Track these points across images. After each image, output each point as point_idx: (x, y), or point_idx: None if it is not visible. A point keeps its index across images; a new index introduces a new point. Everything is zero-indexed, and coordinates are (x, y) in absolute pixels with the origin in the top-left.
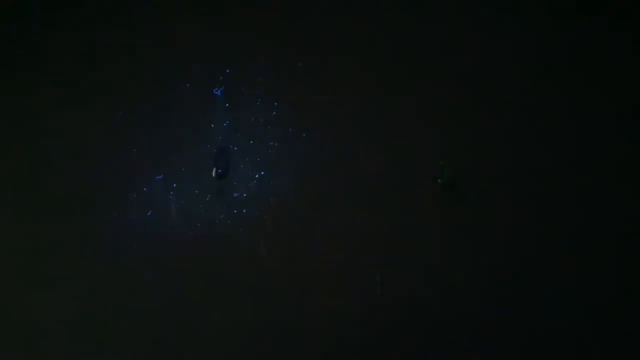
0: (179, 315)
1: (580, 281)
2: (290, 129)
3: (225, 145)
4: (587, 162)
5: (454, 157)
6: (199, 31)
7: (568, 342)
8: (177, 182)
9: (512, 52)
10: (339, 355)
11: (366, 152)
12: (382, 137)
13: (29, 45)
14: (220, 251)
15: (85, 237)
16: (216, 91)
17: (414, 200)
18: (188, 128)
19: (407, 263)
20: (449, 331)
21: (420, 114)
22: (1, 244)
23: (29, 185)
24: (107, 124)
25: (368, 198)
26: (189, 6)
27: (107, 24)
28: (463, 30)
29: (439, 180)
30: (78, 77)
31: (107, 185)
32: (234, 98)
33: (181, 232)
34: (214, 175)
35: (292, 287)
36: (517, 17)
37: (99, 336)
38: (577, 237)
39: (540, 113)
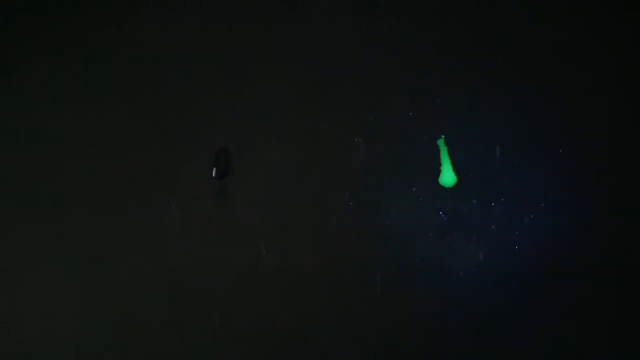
0: (177, 316)
1: (582, 281)
2: (291, 129)
3: (225, 145)
4: (590, 162)
5: (454, 157)
6: (200, 30)
7: (569, 342)
8: (177, 182)
9: (514, 51)
10: (339, 355)
11: (366, 152)
12: (381, 137)
13: (29, 43)
14: (220, 251)
15: (83, 237)
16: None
17: (414, 200)
18: (188, 128)
19: (407, 263)
20: (449, 331)
21: (420, 113)
22: (1, 243)
23: (28, 184)
24: (106, 123)
25: (368, 198)
26: (190, 5)
27: (108, 23)
28: (464, 28)
29: (438, 179)
30: (78, 75)
31: (105, 185)
32: (234, 98)
33: (181, 232)
34: (214, 175)
35: (292, 287)
36: (521, 16)
37: (97, 336)
38: (579, 237)
39: (544, 113)
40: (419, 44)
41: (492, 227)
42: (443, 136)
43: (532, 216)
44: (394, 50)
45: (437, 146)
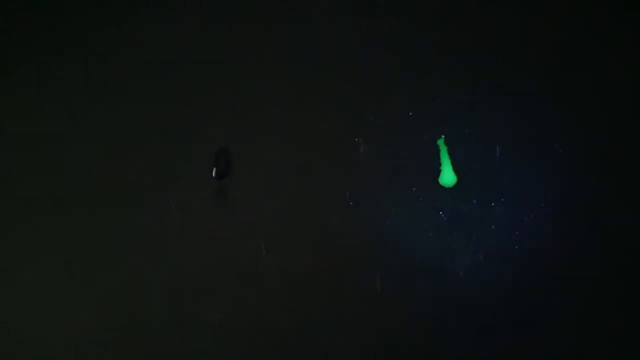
0: (177, 316)
1: (582, 281)
2: (291, 129)
3: (225, 145)
4: (591, 162)
5: (454, 157)
6: (200, 30)
7: (569, 342)
8: (177, 182)
9: (514, 51)
10: (339, 355)
11: (366, 152)
12: (381, 137)
13: (29, 43)
14: (220, 251)
15: (83, 236)
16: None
17: (414, 200)
18: (188, 128)
19: (407, 263)
20: (449, 331)
21: (420, 113)
22: (2, 243)
23: (28, 184)
24: (106, 123)
25: (368, 198)
26: (190, 5)
27: (108, 23)
28: (464, 28)
29: (438, 179)
30: (78, 75)
31: (105, 185)
32: (234, 98)
33: (181, 232)
34: (214, 175)
35: (292, 287)
36: (521, 16)
37: (97, 336)
38: (579, 237)
39: (544, 113)
40: (419, 44)
41: (492, 227)
42: (443, 136)
43: (532, 216)
44: (394, 50)
45: (437, 146)
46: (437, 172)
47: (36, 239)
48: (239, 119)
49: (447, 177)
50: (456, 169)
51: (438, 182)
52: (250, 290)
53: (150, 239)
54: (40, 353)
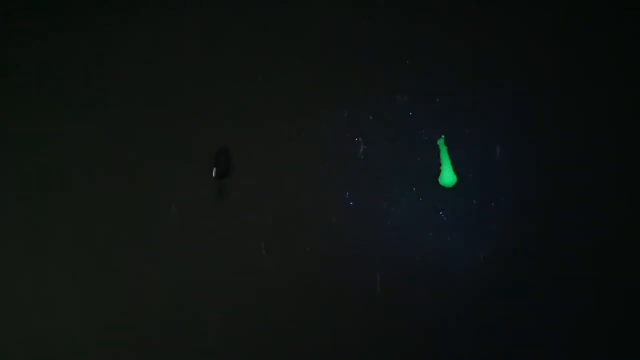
0: (177, 316)
1: (582, 281)
2: (291, 129)
3: (225, 145)
4: (591, 162)
5: (454, 157)
6: (200, 30)
7: (569, 342)
8: (177, 182)
9: (515, 51)
10: (339, 355)
11: (366, 152)
12: (381, 137)
13: (29, 42)
14: (220, 251)
15: (83, 236)
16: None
17: (414, 200)
18: (188, 128)
19: (407, 263)
20: (449, 331)
21: (420, 113)
22: (1, 243)
23: (27, 184)
24: (106, 123)
25: (368, 198)
26: (190, 5)
27: (108, 23)
28: (464, 28)
29: (438, 179)
30: (78, 75)
31: (104, 185)
32: (235, 98)
33: (181, 232)
34: (213, 175)
35: (292, 287)
36: (522, 16)
37: (96, 336)
38: (579, 237)
39: (545, 113)
40: (419, 44)
41: (492, 227)
42: (443, 136)
43: (532, 216)
44: (394, 50)
45: (437, 146)
46: (437, 172)
47: (35, 239)
48: (239, 119)
49: (447, 177)
50: (456, 169)
51: (438, 182)
52: (250, 290)
53: (150, 239)
54: (40, 353)
